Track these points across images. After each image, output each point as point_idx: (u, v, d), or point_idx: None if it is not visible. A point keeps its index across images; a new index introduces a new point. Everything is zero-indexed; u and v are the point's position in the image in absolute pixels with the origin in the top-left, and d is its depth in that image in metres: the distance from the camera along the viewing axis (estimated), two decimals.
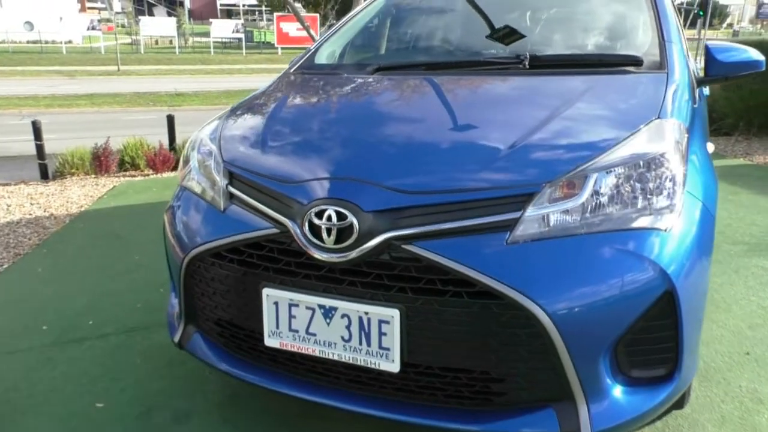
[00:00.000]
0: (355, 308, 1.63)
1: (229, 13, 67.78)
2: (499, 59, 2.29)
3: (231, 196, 1.90)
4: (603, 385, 1.57)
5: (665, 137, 1.72)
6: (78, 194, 5.49)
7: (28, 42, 41.24)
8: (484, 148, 1.73)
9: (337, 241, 1.62)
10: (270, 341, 1.76)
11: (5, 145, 10.30)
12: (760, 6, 44.34)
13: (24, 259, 3.81)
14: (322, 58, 2.80)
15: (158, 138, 6.85)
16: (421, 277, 1.57)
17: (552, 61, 2.28)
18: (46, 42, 39.19)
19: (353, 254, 1.61)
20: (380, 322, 1.61)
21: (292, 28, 34.71)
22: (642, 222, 1.57)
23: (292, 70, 2.72)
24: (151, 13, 61.41)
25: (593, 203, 1.58)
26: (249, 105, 2.43)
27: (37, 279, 3.45)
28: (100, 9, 62.09)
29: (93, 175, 6.33)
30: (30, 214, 4.83)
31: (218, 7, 69.54)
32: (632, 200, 1.59)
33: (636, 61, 2.12)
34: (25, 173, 6.94)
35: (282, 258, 1.73)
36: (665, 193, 1.61)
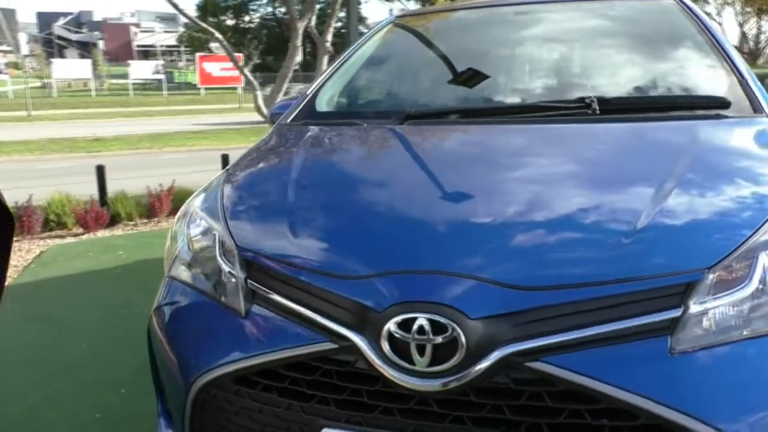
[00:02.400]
0: None
1: (146, 54, 65.92)
2: (560, 103, 1.89)
3: (253, 295, 1.41)
4: None
5: None
6: None
7: None
8: (605, 225, 1.31)
9: (433, 362, 1.16)
10: None
11: None
12: None
13: None
14: (323, 105, 2.34)
15: (79, 188, 6.09)
16: (560, 407, 1.13)
17: (625, 104, 1.91)
18: None
19: (458, 379, 1.14)
20: None
21: (215, 68, 33.96)
22: None
23: (289, 120, 2.24)
24: (62, 55, 58.86)
25: (764, 291, 1.20)
26: (252, 167, 1.94)
27: None
28: (6, 52, 58.81)
29: (14, 238, 5.51)
30: None
31: (134, 48, 67.52)
32: None
33: (722, 103, 1.79)
34: None
35: (346, 385, 1.25)
36: None
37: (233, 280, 1.47)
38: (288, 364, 1.29)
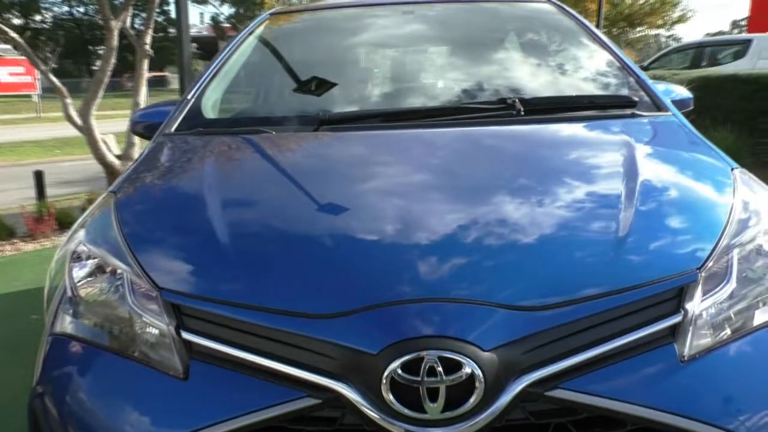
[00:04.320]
0: None
1: None
2: (484, 105, 1.81)
3: (190, 348, 1.13)
4: None
5: (755, 188, 1.44)
6: None
7: None
8: (590, 234, 1.24)
9: (446, 407, 1.00)
10: None
11: None
12: None
13: None
14: (210, 111, 2.03)
15: None
16: None
17: (546, 104, 1.87)
18: None
19: (478, 422, 1.00)
20: None
21: (3, 73, 30.00)
22: None
23: (173, 130, 1.91)
24: None
25: (742, 286, 1.21)
26: (153, 187, 1.61)
27: None
28: None
29: None
30: None
31: None
32: None
33: (632, 103, 1.84)
34: None
35: None
36: None
37: (155, 331, 1.18)
38: (257, 430, 1.05)
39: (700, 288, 1.14)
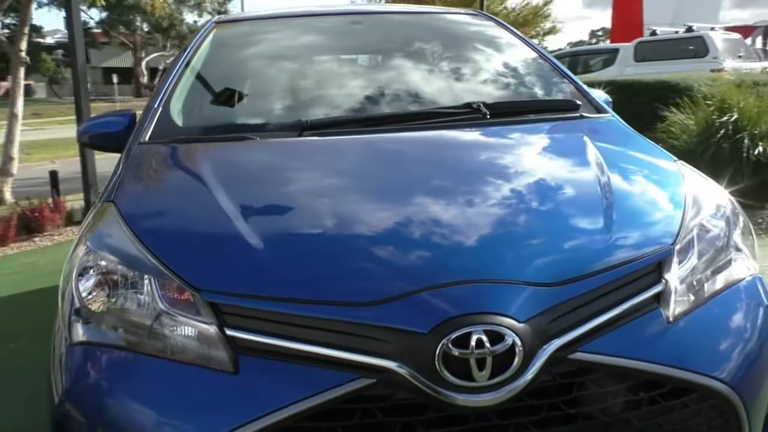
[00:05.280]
0: None
1: None
2: (453, 109, 1.97)
3: (235, 344, 1.19)
4: None
5: (697, 178, 1.70)
6: None
7: None
8: (581, 214, 1.43)
9: (492, 375, 1.13)
10: None
11: None
12: None
13: None
14: (180, 120, 2.05)
15: None
16: (604, 391, 1.20)
17: (507, 108, 2.06)
18: None
19: (518, 385, 1.14)
20: None
21: None
22: (743, 264, 1.49)
23: (147, 139, 1.90)
24: None
25: (702, 258, 1.44)
26: (157, 194, 1.63)
27: None
28: None
29: None
30: None
31: None
32: (724, 245, 1.50)
33: (577, 106, 2.08)
34: None
35: (394, 420, 1.14)
36: (740, 229, 1.57)
37: (193, 331, 1.22)
38: (315, 414, 1.13)
39: (675, 259, 1.36)
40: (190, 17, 43.96)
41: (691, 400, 1.25)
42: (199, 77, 2.26)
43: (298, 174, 1.67)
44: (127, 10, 37.75)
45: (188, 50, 2.33)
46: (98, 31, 41.74)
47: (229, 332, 1.19)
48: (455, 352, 1.12)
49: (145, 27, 44.10)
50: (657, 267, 1.34)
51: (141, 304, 1.28)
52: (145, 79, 45.58)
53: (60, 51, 44.47)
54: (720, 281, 1.42)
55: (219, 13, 42.32)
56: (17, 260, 4.94)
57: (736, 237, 1.54)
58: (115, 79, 34.16)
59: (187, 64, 2.25)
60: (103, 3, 10.29)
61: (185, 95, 2.16)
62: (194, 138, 1.93)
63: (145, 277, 1.29)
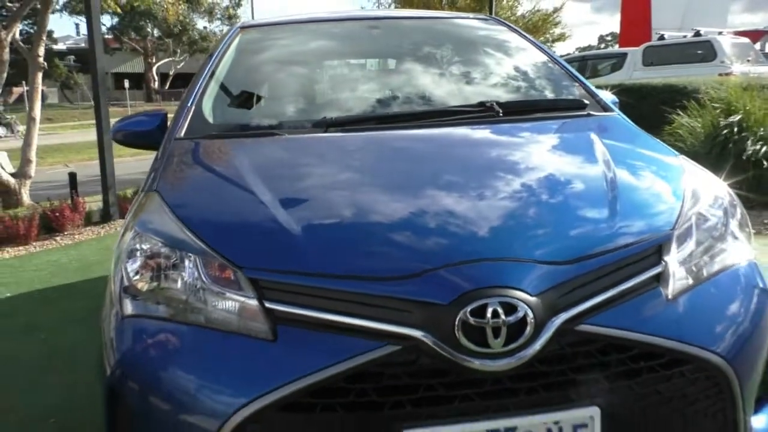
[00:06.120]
0: (541, 421, 1.27)
1: None
2: (468, 107, 2.10)
3: (273, 315, 1.32)
4: (750, 422, 1.55)
5: (698, 172, 1.81)
6: None
7: None
8: (588, 202, 1.56)
9: (506, 343, 1.25)
10: None
11: None
12: None
13: None
14: (211, 118, 2.19)
15: None
16: (607, 360, 1.32)
17: (519, 107, 2.19)
18: None
19: (529, 352, 1.26)
20: (575, 428, 1.29)
21: None
22: (739, 250, 1.61)
23: (183, 135, 2.04)
24: None
25: (700, 244, 1.56)
26: (196, 183, 1.77)
27: None
28: None
29: None
30: None
31: None
32: (722, 234, 1.61)
33: (584, 105, 2.20)
34: None
35: (418, 382, 1.26)
36: (737, 219, 1.68)
37: (235, 305, 1.35)
38: (347, 377, 1.25)
39: (674, 244, 1.48)
40: (200, 23, 44.42)
41: (688, 371, 1.36)
42: (227, 78, 2.41)
43: (324, 165, 1.81)
44: (138, 16, 38.14)
45: (216, 54, 2.48)
46: (110, 37, 42.19)
47: (268, 305, 1.32)
48: (472, 321, 1.24)
49: (156, 33, 44.55)
50: (657, 250, 1.45)
51: (186, 281, 1.41)
52: (155, 85, 46.07)
53: (72, 57, 45.01)
54: (717, 265, 1.54)
55: (229, 18, 42.81)
56: (41, 258, 5.10)
57: (734, 226, 1.66)
58: (126, 84, 34.57)
59: (216, 67, 2.40)
60: (119, 10, 10.51)
61: (215, 95, 2.30)
62: (225, 134, 2.07)
63: (190, 256, 1.43)
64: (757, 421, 1.57)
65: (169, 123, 2.27)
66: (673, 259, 1.45)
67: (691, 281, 1.46)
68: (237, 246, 1.43)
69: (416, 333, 1.25)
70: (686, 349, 1.35)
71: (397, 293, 1.28)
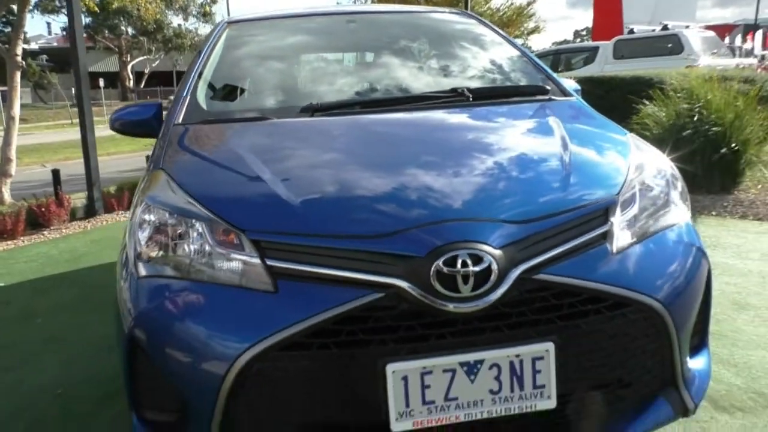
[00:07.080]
0: (504, 354, 1.49)
1: None
2: (442, 93, 2.33)
3: (273, 271, 1.52)
4: (687, 363, 1.78)
5: (645, 147, 2.05)
6: None
7: None
8: (545, 171, 1.78)
9: (473, 288, 1.47)
10: (399, 425, 1.47)
11: None
12: None
13: None
14: (206, 106, 2.38)
15: None
16: (560, 303, 1.55)
17: (488, 92, 2.43)
18: None
19: (494, 297, 1.47)
20: (533, 360, 1.51)
21: None
22: (678, 214, 1.84)
23: (181, 120, 2.24)
24: None
25: (644, 210, 1.78)
26: (197, 160, 1.96)
27: None
28: None
29: None
30: None
31: None
32: (664, 201, 1.84)
33: (546, 90, 2.43)
34: None
35: (399, 324, 1.47)
36: (678, 190, 1.92)
37: (238, 264, 1.54)
38: (338, 320, 1.46)
39: (618, 207, 1.70)
40: (175, 21, 44.07)
41: (629, 312, 1.59)
42: (218, 69, 2.60)
43: (312, 145, 2.02)
44: (112, 14, 37.76)
45: (206, 46, 2.68)
46: (83, 35, 41.66)
47: (269, 262, 1.52)
48: (445, 270, 1.45)
49: (131, 31, 44.10)
50: (604, 212, 1.68)
51: (193, 246, 1.61)
52: (131, 83, 45.61)
53: (44, 56, 44.38)
54: (658, 225, 1.77)
55: (204, 16, 42.57)
56: (32, 250, 5.23)
57: (674, 196, 1.89)
58: (101, 83, 34.24)
59: (207, 59, 2.59)
60: (96, 9, 10.53)
61: (207, 85, 2.49)
62: (220, 119, 2.26)
63: (196, 223, 1.62)
64: (695, 363, 1.82)
65: (164, 113, 2.45)
66: (618, 220, 1.67)
67: (634, 239, 1.69)
68: (239, 212, 1.62)
69: (397, 282, 1.46)
70: (626, 294, 1.57)
71: (380, 248, 1.49)
